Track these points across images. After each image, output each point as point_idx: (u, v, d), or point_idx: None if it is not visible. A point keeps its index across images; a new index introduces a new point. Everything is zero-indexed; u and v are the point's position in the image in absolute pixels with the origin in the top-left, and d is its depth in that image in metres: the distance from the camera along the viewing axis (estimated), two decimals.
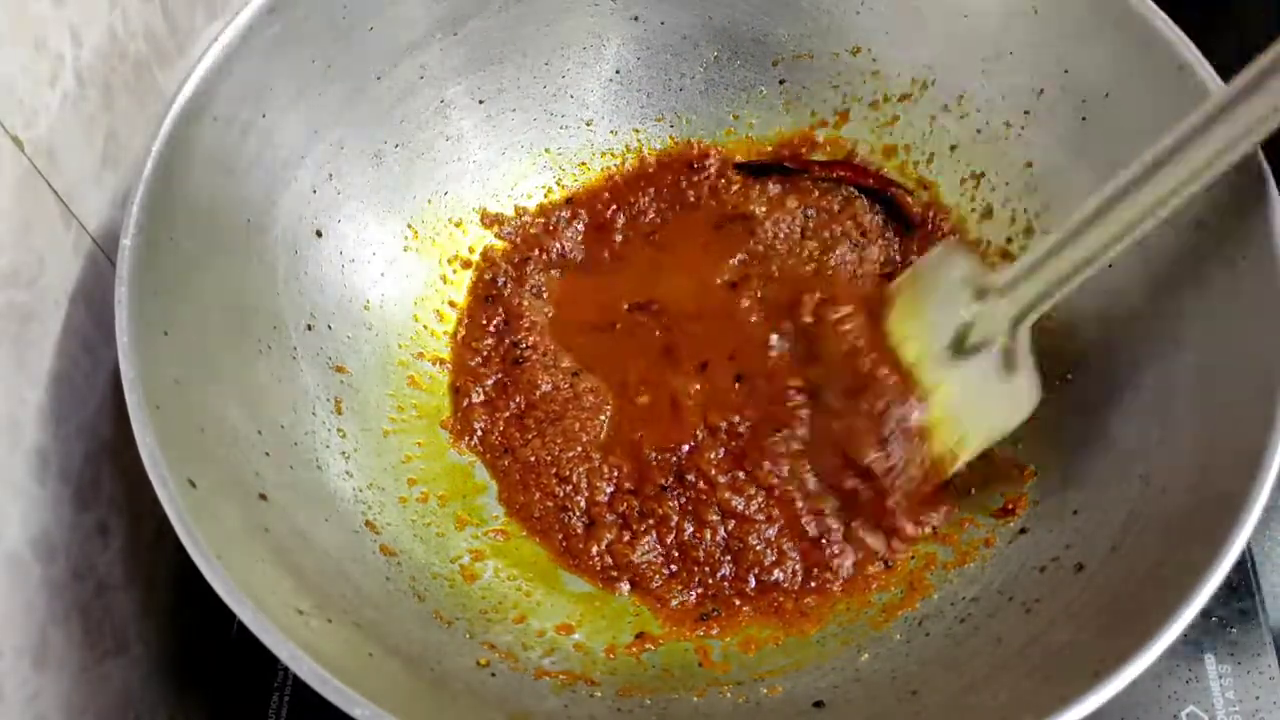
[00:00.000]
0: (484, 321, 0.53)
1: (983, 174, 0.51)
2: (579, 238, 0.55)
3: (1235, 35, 0.52)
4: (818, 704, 0.39)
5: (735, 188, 0.56)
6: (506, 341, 0.52)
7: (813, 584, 0.46)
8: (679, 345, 0.52)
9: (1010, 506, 0.44)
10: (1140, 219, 0.39)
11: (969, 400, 0.45)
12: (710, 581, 0.46)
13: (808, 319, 0.50)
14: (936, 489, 0.46)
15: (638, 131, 0.56)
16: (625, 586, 0.46)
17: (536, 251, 0.55)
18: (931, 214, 0.53)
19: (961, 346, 0.45)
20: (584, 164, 0.56)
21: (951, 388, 0.45)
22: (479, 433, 0.50)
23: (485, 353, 0.52)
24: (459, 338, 0.53)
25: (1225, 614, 0.45)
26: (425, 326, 0.52)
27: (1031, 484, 0.45)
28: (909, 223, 0.53)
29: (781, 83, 0.55)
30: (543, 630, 0.44)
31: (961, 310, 0.45)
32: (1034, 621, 0.38)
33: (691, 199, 0.56)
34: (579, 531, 0.48)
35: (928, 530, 0.46)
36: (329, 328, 0.48)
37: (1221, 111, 0.37)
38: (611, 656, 0.44)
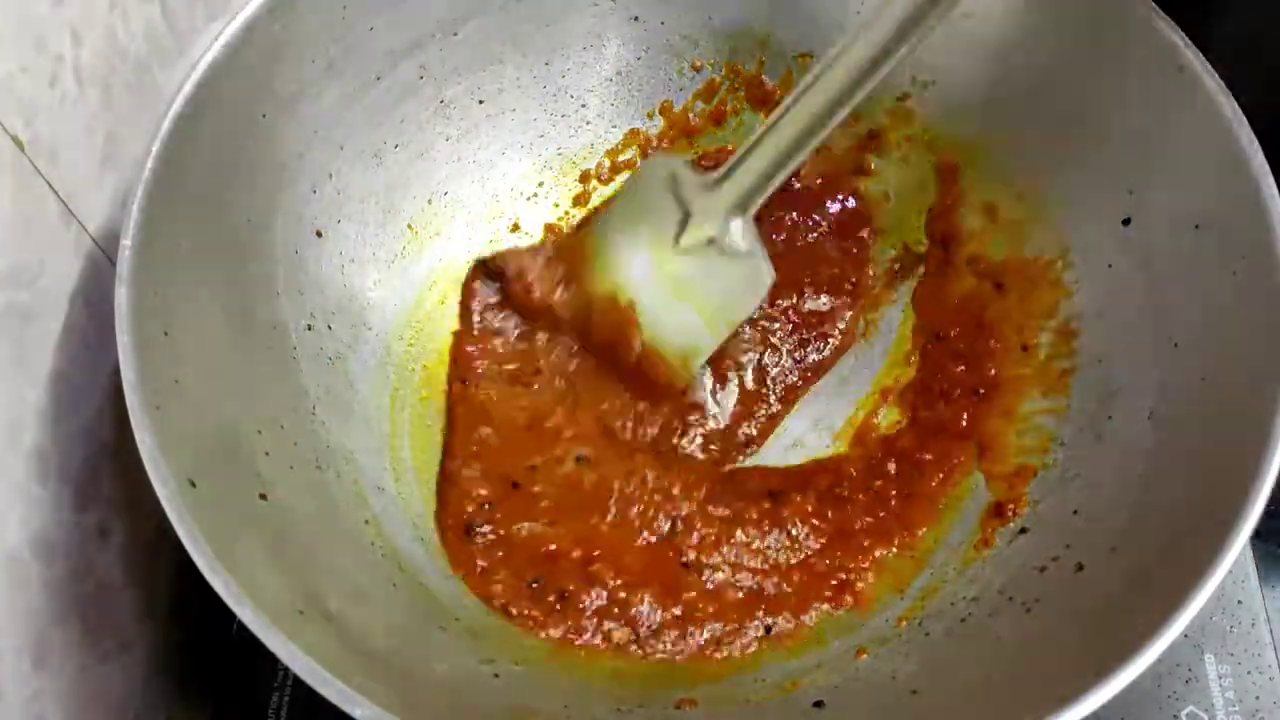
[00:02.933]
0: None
1: None
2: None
3: (1235, 35, 0.52)
4: (818, 704, 0.39)
5: None
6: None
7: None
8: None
9: (1010, 507, 0.44)
10: (826, 110, 0.43)
11: (698, 291, 0.48)
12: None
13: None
14: (917, 507, 0.46)
15: (638, 131, 0.56)
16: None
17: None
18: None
19: (683, 245, 0.48)
20: (582, 165, 0.56)
21: (678, 281, 0.48)
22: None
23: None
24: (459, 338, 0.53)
25: (1225, 614, 0.45)
26: (425, 327, 0.52)
27: (1031, 484, 0.45)
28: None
29: (782, 83, 0.55)
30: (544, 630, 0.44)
31: (669, 212, 0.47)
32: (1034, 621, 0.38)
33: None
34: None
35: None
36: (329, 328, 0.48)
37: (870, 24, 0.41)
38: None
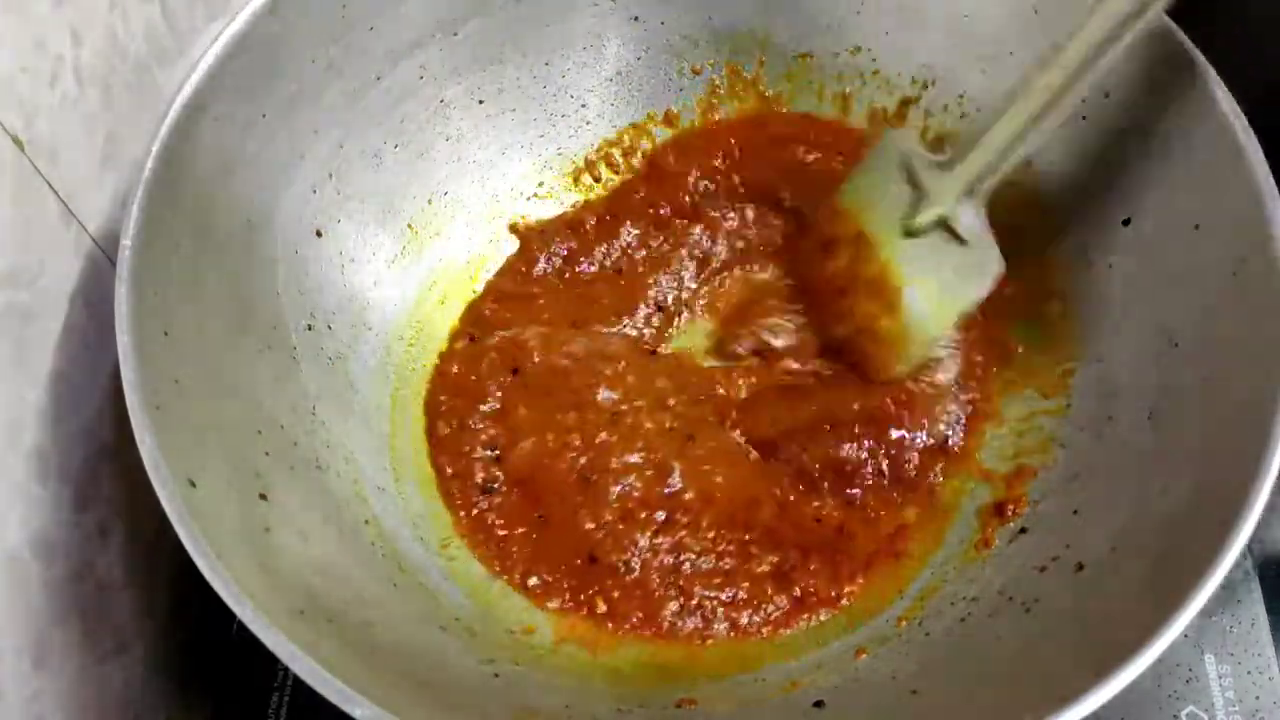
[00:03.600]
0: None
1: None
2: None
3: (1235, 34, 0.52)
4: (818, 704, 0.39)
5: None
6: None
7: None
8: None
9: (1010, 507, 0.44)
10: (1064, 86, 0.42)
11: (927, 275, 0.47)
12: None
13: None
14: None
15: (638, 132, 0.56)
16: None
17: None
18: None
19: (913, 227, 0.46)
20: (583, 167, 0.56)
21: (910, 266, 0.47)
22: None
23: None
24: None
25: (1225, 614, 0.45)
26: (425, 327, 0.52)
27: (1031, 484, 0.45)
28: None
29: (782, 82, 0.55)
30: (544, 630, 0.44)
31: (900, 194, 0.47)
32: (1034, 621, 0.38)
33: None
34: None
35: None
36: (329, 328, 0.48)
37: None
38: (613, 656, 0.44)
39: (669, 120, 0.56)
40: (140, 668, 0.44)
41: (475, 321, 0.53)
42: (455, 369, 0.51)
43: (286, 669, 0.37)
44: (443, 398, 0.50)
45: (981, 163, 0.45)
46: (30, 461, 0.37)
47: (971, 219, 0.45)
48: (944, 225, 0.46)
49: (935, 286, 0.47)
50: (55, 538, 0.38)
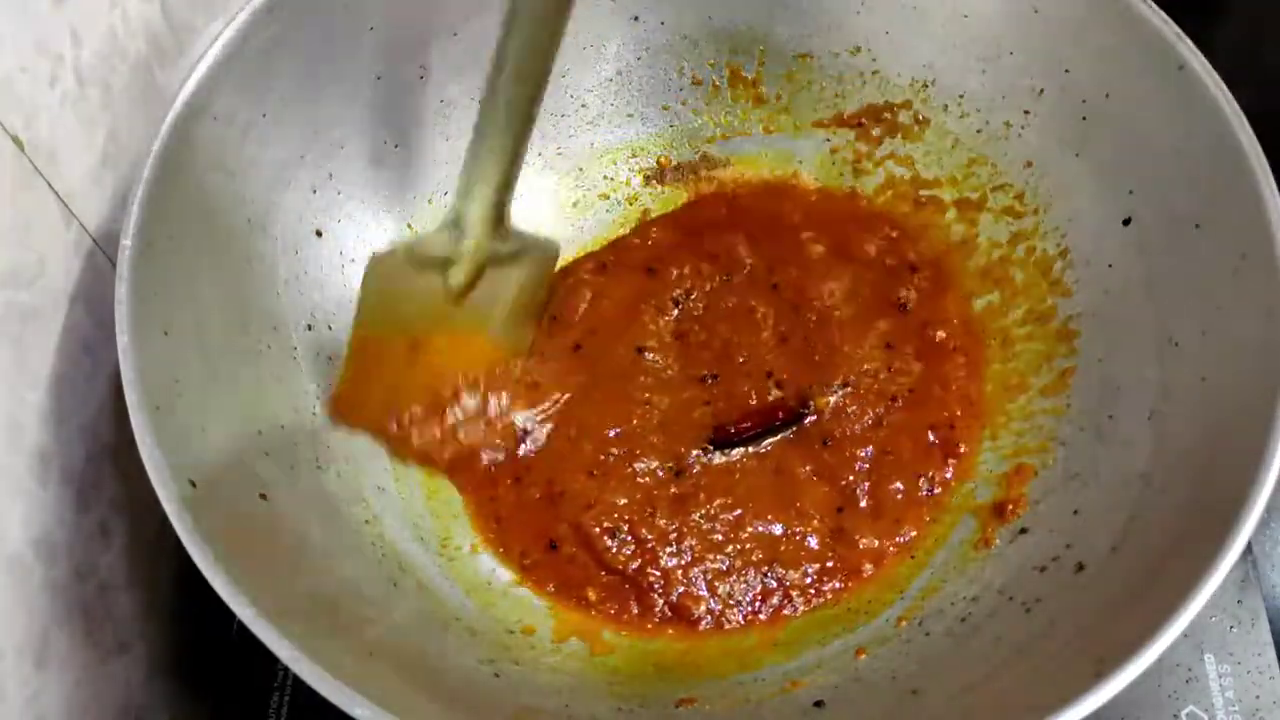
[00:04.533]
0: None
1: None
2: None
3: (1235, 35, 0.52)
4: (818, 704, 0.39)
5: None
6: None
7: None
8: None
9: (1010, 507, 0.44)
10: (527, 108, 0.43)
11: (498, 297, 0.47)
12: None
13: None
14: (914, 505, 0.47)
15: (639, 132, 0.56)
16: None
17: None
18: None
19: (461, 291, 0.47)
20: (582, 168, 0.56)
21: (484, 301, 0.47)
22: None
23: None
24: None
25: (1225, 614, 0.45)
26: None
27: (1031, 484, 0.45)
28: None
29: (782, 82, 0.55)
30: (544, 630, 0.44)
31: (433, 278, 0.47)
32: (1034, 621, 0.38)
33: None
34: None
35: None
36: (329, 328, 0.48)
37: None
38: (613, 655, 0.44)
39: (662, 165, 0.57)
40: (141, 667, 0.44)
41: None
42: None
43: (286, 669, 0.37)
44: None
45: (488, 189, 0.46)
46: (31, 462, 0.37)
47: (509, 234, 0.47)
48: (484, 257, 0.47)
49: (514, 308, 0.48)
50: (57, 538, 0.38)
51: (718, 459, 0.48)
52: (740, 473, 0.48)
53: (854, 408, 0.49)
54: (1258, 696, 0.43)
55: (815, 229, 0.54)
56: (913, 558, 0.46)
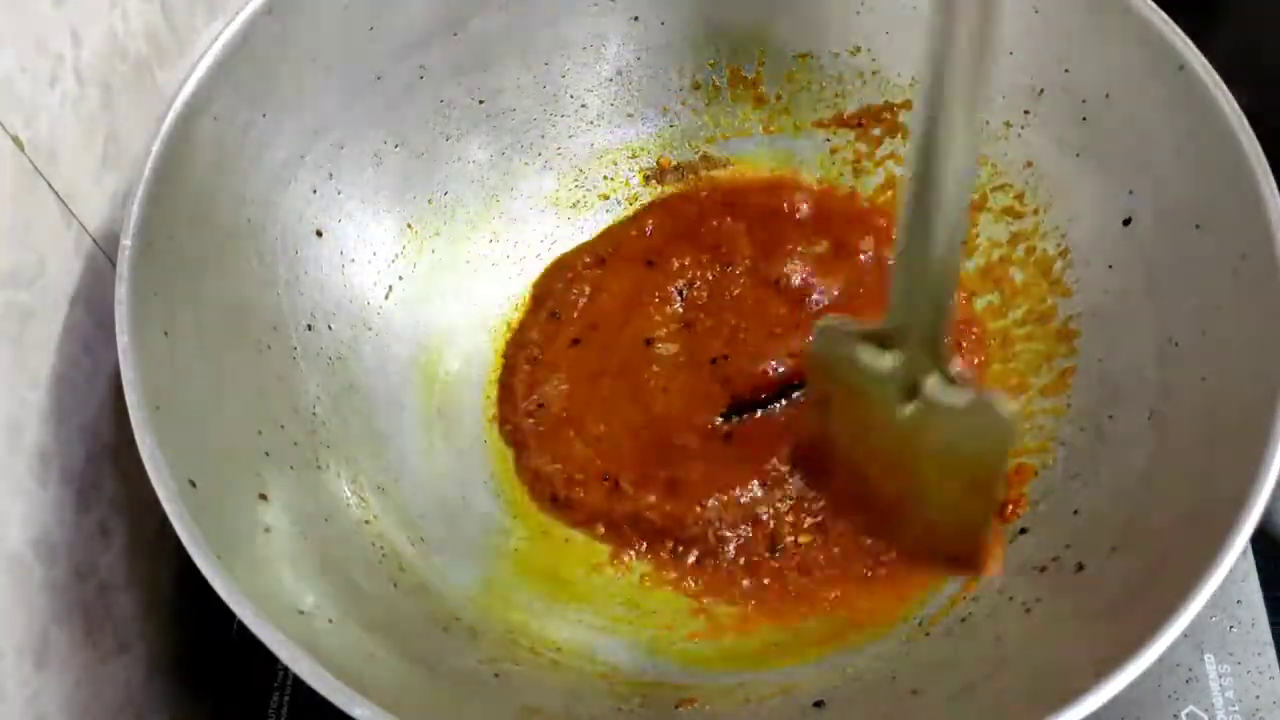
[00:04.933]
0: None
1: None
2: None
3: (1235, 35, 0.52)
4: (818, 704, 0.39)
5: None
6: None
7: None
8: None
9: (1010, 507, 0.44)
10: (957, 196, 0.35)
11: (951, 432, 0.40)
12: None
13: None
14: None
15: (639, 131, 0.56)
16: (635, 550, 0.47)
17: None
18: None
19: (908, 392, 0.40)
20: (582, 168, 0.56)
21: (929, 431, 0.41)
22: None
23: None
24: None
25: (1225, 614, 0.45)
26: (425, 326, 0.52)
27: (1031, 484, 0.45)
28: None
29: (782, 83, 0.55)
30: (545, 630, 0.45)
31: (878, 364, 0.40)
32: (1034, 621, 0.38)
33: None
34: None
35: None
36: (329, 328, 0.48)
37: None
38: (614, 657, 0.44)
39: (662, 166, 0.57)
40: (141, 667, 0.44)
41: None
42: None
43: (286, 669, 0.37)
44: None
45: (926, 318, 0.38)
46: (31, 462, 0.37)
47: (955, 376, 0.39)
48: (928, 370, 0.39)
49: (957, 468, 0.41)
50: (56, 538, 0.38)
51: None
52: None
53: None
54: (1258, 696, 0.44)
55: (815, 223, 0.54)
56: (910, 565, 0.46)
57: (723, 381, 0.50)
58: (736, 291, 0.53)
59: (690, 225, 0.55)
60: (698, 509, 0.47)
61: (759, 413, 0.50)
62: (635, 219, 0.56)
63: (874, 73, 0.53)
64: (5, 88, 0.35)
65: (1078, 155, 0.47)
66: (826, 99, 0.55)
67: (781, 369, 0.50)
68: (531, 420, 0.51)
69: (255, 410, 0.41)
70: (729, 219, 0.55)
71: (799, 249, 0.53)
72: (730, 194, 0.56)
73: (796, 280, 0.52)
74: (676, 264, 0.54)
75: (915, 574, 0.45)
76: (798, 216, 0.55)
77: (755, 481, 0.47)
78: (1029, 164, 0.49)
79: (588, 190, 0.57)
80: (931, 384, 0.40)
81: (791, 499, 0.47)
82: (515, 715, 0.38)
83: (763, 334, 0.51)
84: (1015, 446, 0.43)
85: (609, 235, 0.56)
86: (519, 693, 0.40)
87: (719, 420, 0.49)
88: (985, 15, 0.32)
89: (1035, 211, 0.49)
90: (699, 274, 0.54)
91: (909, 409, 0.41)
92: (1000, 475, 0.41)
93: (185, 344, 0.39)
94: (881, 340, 0.40)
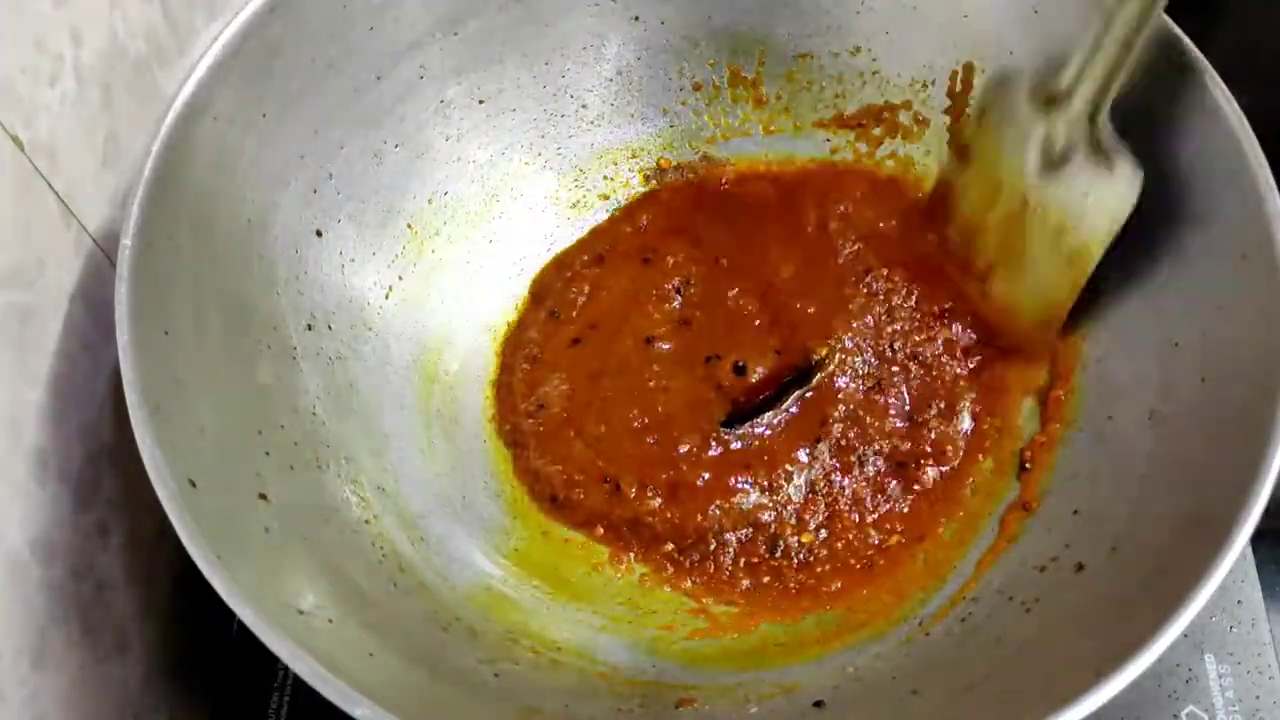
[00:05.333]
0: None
1: None
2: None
3: (1235, 35, 0.52)
4: (818, 704, 0.39)
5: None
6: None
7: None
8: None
9: (1025, 500, 0.44)
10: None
11: (1078, 203, 0.44)
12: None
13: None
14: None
15: (639, 131, 0.56)
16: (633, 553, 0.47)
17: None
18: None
19: (1051, 159, 0.44)
20: (582, 168, 0.56)
21: (1057, 199, 0.45)
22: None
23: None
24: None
25: (1225, 614, 0.45)
26: (425, 326, 0.52)
27: (1033, 484, 0.45)
28: None
29: (782, 83, 0.55)
30: (545, 630, 0.45)
31: (1037, 124, 0.45)
32: (1034, 621, 0.38)
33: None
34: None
35: None
36: (329, 328, 0.48)
37: None
38: (613, 657, 0.44)
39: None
40: (140, 668, 0.44)
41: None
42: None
43: (286, 669, 0.38)
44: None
45: (1098, 80, 0.42)
46: (30, 461, 0.37)
47: (1110, 135, 0.43)
48: (1081, 150, 0.43)
49: (1085, 212, 0.44)
50: (55, 538, 0.38)
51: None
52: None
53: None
54: (1258, 696, 0.43)
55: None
56: (912, 558, 0.46)
57: (722, 384, 0.50)
58: (733, 290, 0.53)
59: (685, 219, 0.55)
60: (699, 517, 0.47)
61: (761, 418, 0.49)
62: (628, 213, 0.56)
63: (874, 73, 0.53)
64: (5, 88, 0.35)
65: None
66: (826, 99, 0.55)
67: (777, 365, 0.50)
68: (531, 420, 0.51)
69: (255, 410, 0.41)
70: (720, 211, 0.55)
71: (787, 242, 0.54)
72: (723, 186, 0.57)
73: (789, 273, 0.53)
74: (672, 260, 0.54)
75: (912, 568, 0.45)
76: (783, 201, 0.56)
77: (757, 488, 0.47)
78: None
79: (588, 190, 0.57)
80: (1080, 158, 0.43)
81: (796, 503, 0.47)
82: (515, 715, 0.38)
83: (757, 330, 0.52)
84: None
85: (604, 232, 0.56)
86: (519, 693, 0.40)
87: (720, 430, 0.49)
88: None
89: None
90: (695, 270, 0.54)
91: (1049, 176, 0.44)
92: (1101, 252, 0.44)
93: (185, 344, 0.39)
94: (1050, 98, 0.44)
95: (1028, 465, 0.45)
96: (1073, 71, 0.43)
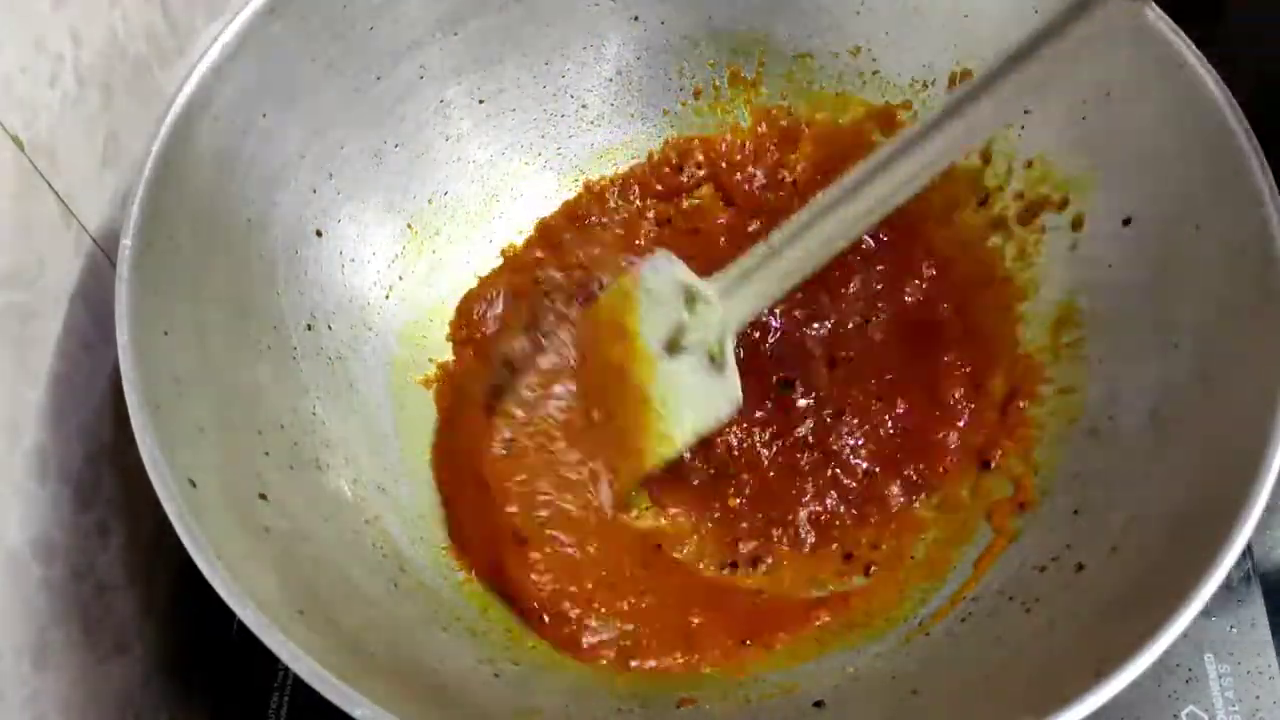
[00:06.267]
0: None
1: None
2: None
3: (1235, 35, 0.52)
4: (818, 704, 0.39)
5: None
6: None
7: None
8: None
9: (1022, 500, 0.44)
10: (840, 234, 0.43)
11: (677, 396, 0.47)
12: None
13: None
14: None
15: (639, 131, 0.56)
16: None
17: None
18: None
19: (674, 347, 0.47)
20: (582, 166, 0.56)
21: (662, 383, 0.47)
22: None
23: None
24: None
25: (1225, 614, 0.45)
26: (425, 326, 0.52)
27: (1032, 483, 0.45)
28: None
29: (782, 83, 0.55)
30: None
31: (674, 314, 0.47)
32: (1034, 621, 0.38)
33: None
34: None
35: None
36: (329, 328, 0.48)
37: (917, 138, 0.40)
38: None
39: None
40: (140, 668, 0.44)
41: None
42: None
43: (286, 669, 0.38)
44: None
45: (751, 304, 0.46)
46: (30, 461, 0.37)
47: (730, 348, 0.47)
48: (702, 349, 0.47)
49: (681, 404, 0.47)
50: (55, 538, 0.38)
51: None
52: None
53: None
54: (1258, 696, 0.44)
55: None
56: (912, 558, 0.46)
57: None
58: None
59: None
60: None
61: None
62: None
63: (874, 73, 0.53)
64: (5, 88, 0.35)
65: (1078, 155, 0.47)
66: (827, 99, 0.55)
67: None
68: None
69: (255, 410, 0.41)
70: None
71: None
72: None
73: None
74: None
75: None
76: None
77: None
78: (1029, 164, 0.49)
79: (587, 191, 0.57)
80: (695, 359, 0.47)
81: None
82: (514, 715, 0.38)
83: None
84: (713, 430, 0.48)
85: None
86: (518, 693, 0.40)
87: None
88: None
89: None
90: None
91: (666, 357, 0.47)
92: (680, 448, 0.47)
93: (185, 344, 0.39)
94: (693, 296, 0.47)
95: (992, 464, 0.46)
96: (723, 284, 0.46)
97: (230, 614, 0.32)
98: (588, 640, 0.44)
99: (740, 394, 0.47)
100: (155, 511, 0.33)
